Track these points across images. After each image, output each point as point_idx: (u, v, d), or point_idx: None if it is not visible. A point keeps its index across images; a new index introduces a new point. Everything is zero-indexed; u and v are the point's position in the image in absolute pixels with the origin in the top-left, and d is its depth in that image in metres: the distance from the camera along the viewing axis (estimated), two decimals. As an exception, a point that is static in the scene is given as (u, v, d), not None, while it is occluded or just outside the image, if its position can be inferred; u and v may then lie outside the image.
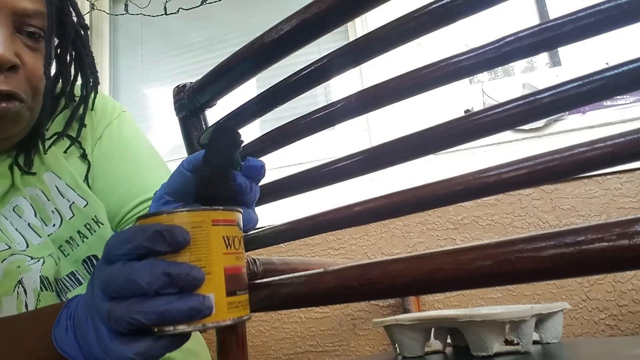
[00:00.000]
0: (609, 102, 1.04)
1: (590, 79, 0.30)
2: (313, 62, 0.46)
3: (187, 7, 1.55)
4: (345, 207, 0.45)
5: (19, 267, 0.59)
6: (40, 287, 0.59)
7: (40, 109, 0.63)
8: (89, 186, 0.70)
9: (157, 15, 1.57)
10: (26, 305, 0.58)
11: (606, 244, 0.28)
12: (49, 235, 0.64)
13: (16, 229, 0.63)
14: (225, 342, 0.58)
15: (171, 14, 1.56)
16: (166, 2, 1.56)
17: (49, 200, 0.66)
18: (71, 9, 0.67)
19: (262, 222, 0.50)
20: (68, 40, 0.67)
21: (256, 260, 0.62)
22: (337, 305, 1.12)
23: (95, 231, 0.67)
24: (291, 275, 0.49)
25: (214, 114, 0.61)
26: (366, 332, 1.10)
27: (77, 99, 0.70)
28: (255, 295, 0.55)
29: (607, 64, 0.92)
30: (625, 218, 0.28)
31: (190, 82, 0.58)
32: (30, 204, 0.64)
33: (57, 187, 0.67)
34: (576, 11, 0.30)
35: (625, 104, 1.03)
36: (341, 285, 0.43)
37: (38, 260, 0.61)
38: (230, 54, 0.51)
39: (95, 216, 0.68)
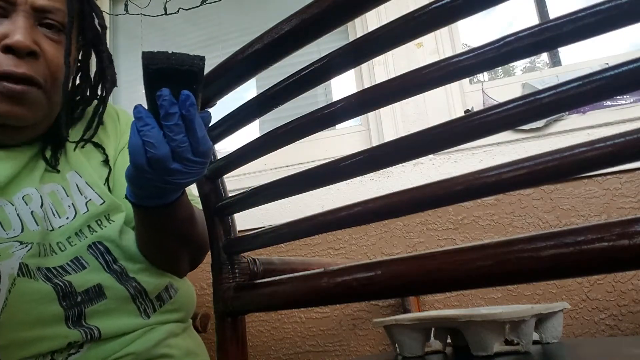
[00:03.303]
0: (609, 102, 1.04)
1: (590, 79, 0.30)
2: (313, 62, 0.46)
3: (187, 7, 1.55)
4: (345, 207, 0.45)
5: (0, 255, 0.60)
6: (18, 273, 0.60)
7: (61, 103, 0.67)
8: (109, 189, 0.73)
9: (157, 15, 1.57)
10: None
11: (606, 244, 0.28)
12: (60, 227, 0.67)
13: (17, 215, 0.65)
14: (225, 342, 0.58)
15: (171, 14, 1.56)
16: (166, 2, 1.56)
17: (67, 196, 0.69)
18: (91, 9, 0.71)
19: (262, 222, 0.51)
20: (88, 39, 0.71)
21: (256, 260, 0.62)
22: (337, 305, 1.12)
23: (105, 226, 0.70)
24: (291, 275, 0.49)
25: (214, 114, 0.61)
26: (366, 332, 1.10)
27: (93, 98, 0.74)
28: (255, 295, 0.55)
29: (607, 64, 0.92)
30: (625, 218, 0.28)
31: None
32: (41, 197, 0.66)
33: (77, 185, 0.70)
34: (576, 11, 0.30)
35: (625, 104, 1.03)
36: (341, 285, 0.43)
37: (26, 246, 0.62)
38: (230, 54, 0.51)
39: (108, 214, 0.70)
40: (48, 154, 0.70)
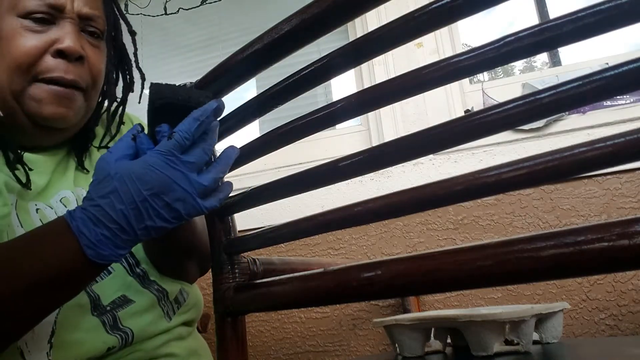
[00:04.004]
0: (609, 102, 1.04)
1: (590, 79, 0.30)
2: (313, 62, 0.46)
3: (187, 7, 1.55)
4: (345, 207, 0.45)
5: None
6: None
7: (95, 105, 0.71)
8: None
9: (157, 15, 1.57)
10: None
11: (606, 244, 0.28)
12: None
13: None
14: (225, 342, 0.58)
15: (171, 14, 1.56)
16: (166, 2, 1.56)
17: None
18: (122, 17, 0.76)
19: (262, 222, 0.51)
20: (119, 45, 0.75)
21: (256, 260, 0.62)
22: (337, 305, 1.12)
23: None
24: (291, 275, 0.49)
25: (214, 114, 0.60)
26: (366, 332, 1.10)
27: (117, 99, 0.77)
28: (255, 295, 0.55)
29: (607, 64, 0.92)
30: (625, 218, 0.28)
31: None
32: (76, 199, 0.69)
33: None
34: (576, 11, 0.30)
35: (625, 104, 1.03)
36: (341, 285, 0.43)
37: None
38: (230, 54, 0.51)
39: None
40: (77, 155, 0.72)
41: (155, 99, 0.48)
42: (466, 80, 1.23)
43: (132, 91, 0.77)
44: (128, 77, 0.76)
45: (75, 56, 0.64)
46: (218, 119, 0.51)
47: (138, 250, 0.71)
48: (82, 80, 0.65)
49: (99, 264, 0.49)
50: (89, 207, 0.48)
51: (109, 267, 0.67)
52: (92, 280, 0.53)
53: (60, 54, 0.63)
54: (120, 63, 0.76)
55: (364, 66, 1.31)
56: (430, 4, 0.37)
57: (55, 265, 0.48)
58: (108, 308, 0.65)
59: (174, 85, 0.48)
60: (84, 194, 0.71)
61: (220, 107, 0.50)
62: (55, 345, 0.59)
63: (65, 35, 0.63)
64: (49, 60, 0.62)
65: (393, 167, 1.04)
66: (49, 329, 0.59)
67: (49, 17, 0.63)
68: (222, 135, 0.59)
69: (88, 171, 0.72)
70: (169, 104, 0.48)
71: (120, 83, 0.76)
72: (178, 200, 0.48)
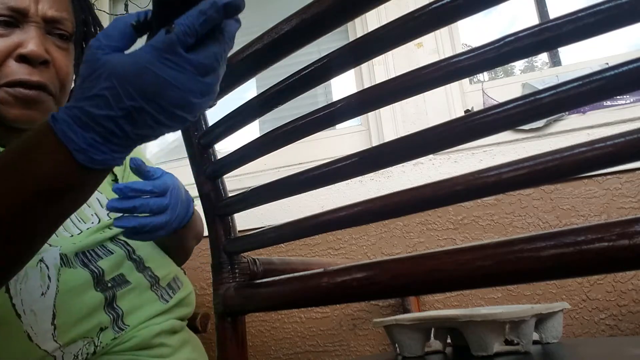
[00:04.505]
0: (609, 102, 1.04)
1: (590, 79, 0.30)
2: (313, 62, 0.46)
3: (187, 7, 1.55)
4: (345, 207, 0.45)
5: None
6: (60, 263, 0.64)
7: None
8: None
9: (157, 15, 1.57)
10: (49, 277, 0.63)
11: (606, 244, 0.28)
12: (88, 229, 0.71)
13: None
14: (225, 342, 0.58)
15: (171, 14, 1.55)
16: (166, 2, 1.55)
17: (89, 207, 0.74)
18: (91, 19, 0.76)
19: (262, 222, 0.51)
20: None
21: (256, 260, 0.62)
22: (337, 305, 1.12)
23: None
24: (291, 275, 0.49)
25: (214, 114, 0.61)
26: (366, 332, 1.10)
27: None
28: (255, 295, 0.55)
29: (607, 64, 0.92)
30: (625, 218, 0.28)
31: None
32: None
33: (98, 200, 0.75)
34: (576, 11, 0.30)
35: (625, 104, 1.03)
36: (341, 285, 0.43)
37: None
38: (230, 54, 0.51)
39: None
40: None
41: None
42: (466, 80, 1.23)
43: None
44: None
45: (39, 60, 0.63)
46: (234, 18, 0.43)
47: (132, 241, 0.73)
48: (50, 84, 0.65)
49: (97, 170, 0.42)
50: (74, 109, 0.41)
51: (110, 249, 0.70)
52: (95, 188, 0.46)
53: (23, 58, 0.62)
54: None
55: (364, 66, 1.31)
56: (430, 4, 0.37)
57: (49, 178, 0.42)
58: (109, 285, 0.67)
59: None
60: None
61: (234, 3, 0.41)
62: (58, 325, 0.61)
63: (28, 40, 0.63)
64: (12, 65, 0.62)
65: (393, 167, 1.04)
66: (49, 312, 0.61)
67: (13, 21, 0.63)
68: (223, 135, 0.59)
69: None
70: None
71: None
72: (178, 107, 0.40)
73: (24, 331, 0.59)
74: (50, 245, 0.65)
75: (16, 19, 0.63)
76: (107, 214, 0.74)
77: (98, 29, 0.77)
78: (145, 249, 0.75)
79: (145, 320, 0.69)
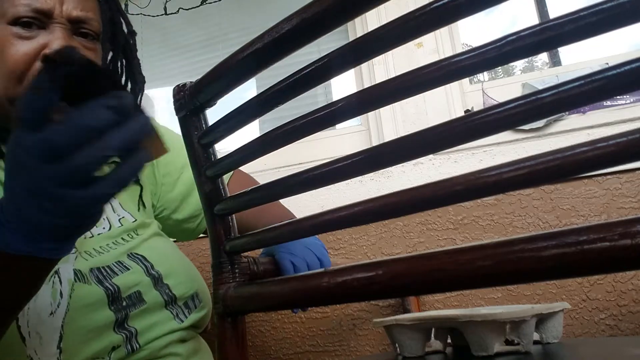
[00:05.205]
0: (609, 102, 1.04)
1: (590, 79, 0.30)
2: (313, 62, 0.46)
3: (187, 7, 1.55)
4: (345, 207, 0.45)
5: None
6: (74, 279, 0.63)
7: None
8: (143, 204, 0.80)
9: (157, 15, 1.57)
10: (61, 294, 0.62)
11: (608, 243, 0.28)
12: (98, 235, 0.71)
13: None
14: (225, 342, 0.58)
15: (171, 14, 1.56)
16: (166, 2, 1.55)
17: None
18: (121, 18, 0.75)
19: (262, 222, 0.50)
20: (118, 47, 0.75)
21: (256, 260, 0.62)
22: (337, 305, 1.12)
23: (133, 238, 0.73)
24: (291, 275, 0.49)
25: (214, 114, 0.60)
26: (366, 332, 1.10)
27: None
28: (255, 295, 0.55)
29: (607, 64, 0.92)
30: (627, 217, 0.27)
31: (190, 82, 0.58)
32: None
33: (111, 204, 0.75)
34: (578, 10, 0.30)
35: (625, 104, 1.03)
36: (341, 285, 0.43)
37: (73, 252, 0.66)
38: (230, 54, 0.51)
39: (137, 229, 0.75)
40: None
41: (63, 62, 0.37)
42: (466, 80, 1.23)
43: (142, 91, 0.76)
44: (138, 80, 0.76)
45: None
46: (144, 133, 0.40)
47: (151, 255, 0.72)
48: None
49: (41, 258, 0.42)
50: None
51: (126, 265, 0.69)
52: (47, 274, 0.46)
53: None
54: (127, 64, 0.76)
55: (364, 66, 1.31)
56: (430, 4, 0.37)
57: None
58: (124, 304, 0.66)
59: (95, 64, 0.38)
60: None
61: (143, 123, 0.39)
62: (64, 349, 0.59)
63: (53, 40, 0.62)
64: (39, 67, 0.61)
65: (393, 167, 1.03)
66: (57, 334, 0.59)
67: (39, 23, 0.63)
68: (223, 135, 0.59)
69: None
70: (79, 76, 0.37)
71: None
72: (50, 201, 0.38)
73: (27, 355, 0.58)
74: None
75: (41, 20, 0.63)
76: (119, 220, 0.73)
77: (127, 28, 0.76)
78: (165, 263, 0.73)
79: (156, 338, 0.68)
